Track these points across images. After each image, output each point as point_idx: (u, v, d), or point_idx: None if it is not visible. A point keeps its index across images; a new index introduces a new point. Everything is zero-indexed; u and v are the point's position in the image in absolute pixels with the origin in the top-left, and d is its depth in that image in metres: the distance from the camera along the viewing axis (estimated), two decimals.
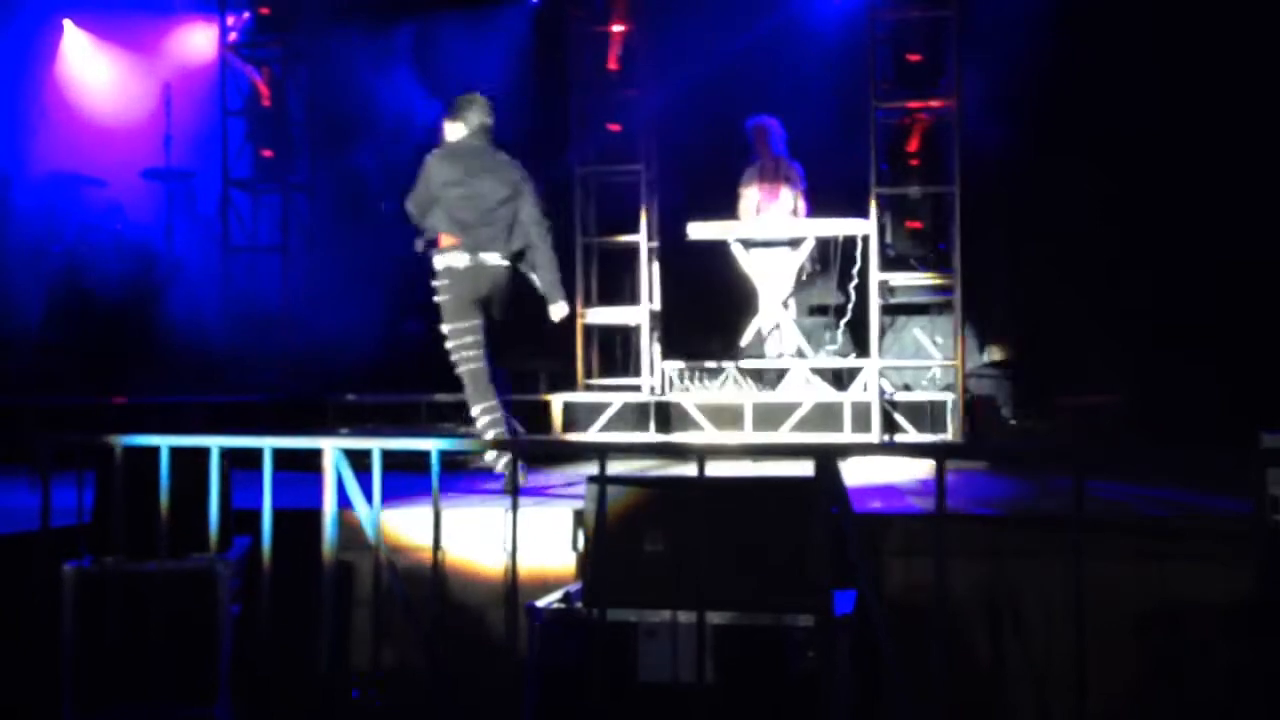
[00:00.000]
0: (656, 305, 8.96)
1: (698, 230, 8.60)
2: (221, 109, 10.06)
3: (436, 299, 5.94)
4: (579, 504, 4.82)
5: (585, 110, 9.03)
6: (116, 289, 9.89)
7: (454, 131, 6.12)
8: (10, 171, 10.32)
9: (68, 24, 10.98)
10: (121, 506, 4.35)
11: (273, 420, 8.86)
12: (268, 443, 4.11)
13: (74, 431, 4.91)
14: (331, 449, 4.26)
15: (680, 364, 8.52)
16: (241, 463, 4.46)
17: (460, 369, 5.90)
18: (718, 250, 8.74)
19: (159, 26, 10.79)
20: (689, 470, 3.74)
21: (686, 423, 8.11)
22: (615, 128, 9.11)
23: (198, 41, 10.69)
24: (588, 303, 8.93)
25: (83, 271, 10.46)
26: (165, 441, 4.25)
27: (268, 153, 9.99)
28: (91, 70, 11.18)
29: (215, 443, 4.33)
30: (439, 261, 5.92)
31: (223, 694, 4.44)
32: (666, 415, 8.16)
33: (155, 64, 10.81)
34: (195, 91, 10.46)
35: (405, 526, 5.00)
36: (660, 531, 4.01)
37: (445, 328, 5.91)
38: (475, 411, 5.93)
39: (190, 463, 4.40)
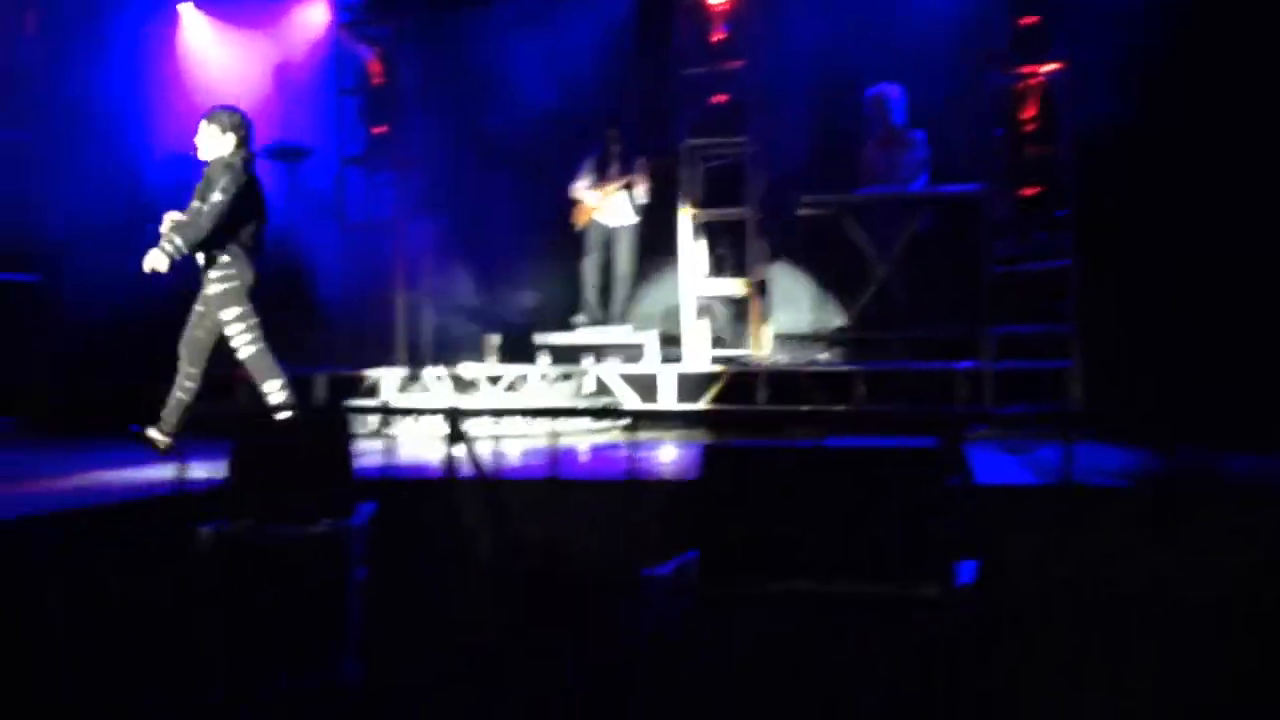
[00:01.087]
0: (764, 278, 8.92)
1: (810, 203, 8.55)
2: (335, 87, 10.25)
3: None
4: (688, 473, 4.84)
5: (690, 83, 9.01)
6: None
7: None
8: (139, 152, 10.65)
9: (187, 7, 11.28)
10: (255, 472, 4.50)
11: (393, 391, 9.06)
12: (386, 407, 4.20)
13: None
14: (450, 418, 4.35)
15: (790, 333, 8.49)
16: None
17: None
18: (829, 222, 8.66)
19: (274, 7, 11.02)
20: (809, 438, 3.73)
21: (798, 393, 8.07)
22: (721, 99, 9.07)
23: (312, 20, 10.88)
24: (697, 276, 8.92)
25: None
26: (293, 410, 4.37)
27: (380, 129, 10.15)
28: (210, 51, 11.47)
29: (343, 410, 4.45)
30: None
31: (350, 657, 4.57)
32: (778, 385, 8.13)
33: (271, 44, 11.05)
34: (310, 70, 10.66)
35: (519, 495, 5.07)
36: (780, 500, 4.01)
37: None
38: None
39: (318, 430, 4.53)
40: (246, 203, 6.54)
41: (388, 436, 7.48)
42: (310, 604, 4.56)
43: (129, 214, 10.90)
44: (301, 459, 4.60)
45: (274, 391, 6.40)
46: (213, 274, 6.51)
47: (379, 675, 4.58)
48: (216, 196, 6.39)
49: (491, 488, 4.65)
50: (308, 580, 4.55)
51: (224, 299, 6.48)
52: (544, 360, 9.02)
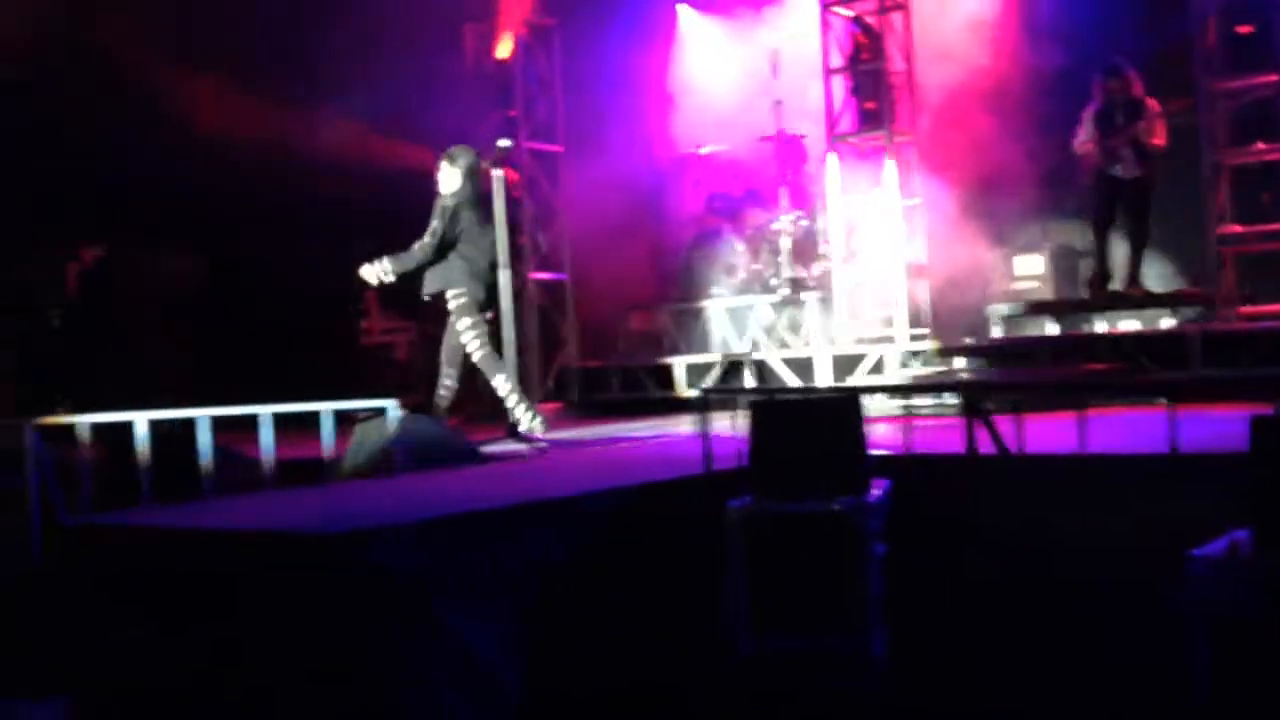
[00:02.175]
0: None
1: None
2: (824, 68, 10.39)
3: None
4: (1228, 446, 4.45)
5: (1203, 14, 8.25)
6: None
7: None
8: (645, 153, 11.44)
9: (683, 8, 11.94)
10: (775, 453, 4.69)
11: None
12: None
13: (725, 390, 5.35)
14: (966, 392, 4.28)
15: None
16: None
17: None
18: None
19: None
20: None
21: None
22: (1245, 30, 8.22)
23: (798, 3, 11.11)
24: (1221, 221, 8.16)
25: (711, 239, 11.38)
26: (793, 392, 4.49)
27: (870, 105, 10.17)
28: (706, 46, 12.06)
29: (851, 392, 4.51)
30: None
31: (876, 630, 4.64)
32: None
33: (761, 32, 11.43)
34: (799, 54, 10.90)
35: (1042, 471, 4.90)
36: None
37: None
38: None
39: (833, 411, 4.64)
40: (470, 233, 7.51)
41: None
42: (831, 576, 4.68)
43: (638, 213, 11.77)
44: (818, 439, 4.72)
45: (501, 384, 7.51)
46: (450, 293, 7.53)
47: (903, 646, 4.62)
48: (426, 239, 7.44)
49: (1013, 464, 4.54)
50: (827, 554, 4.67)
51: (458, 312, 7.52)
52: (1051, 328, 8.65)
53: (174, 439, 6.89)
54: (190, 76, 10.11)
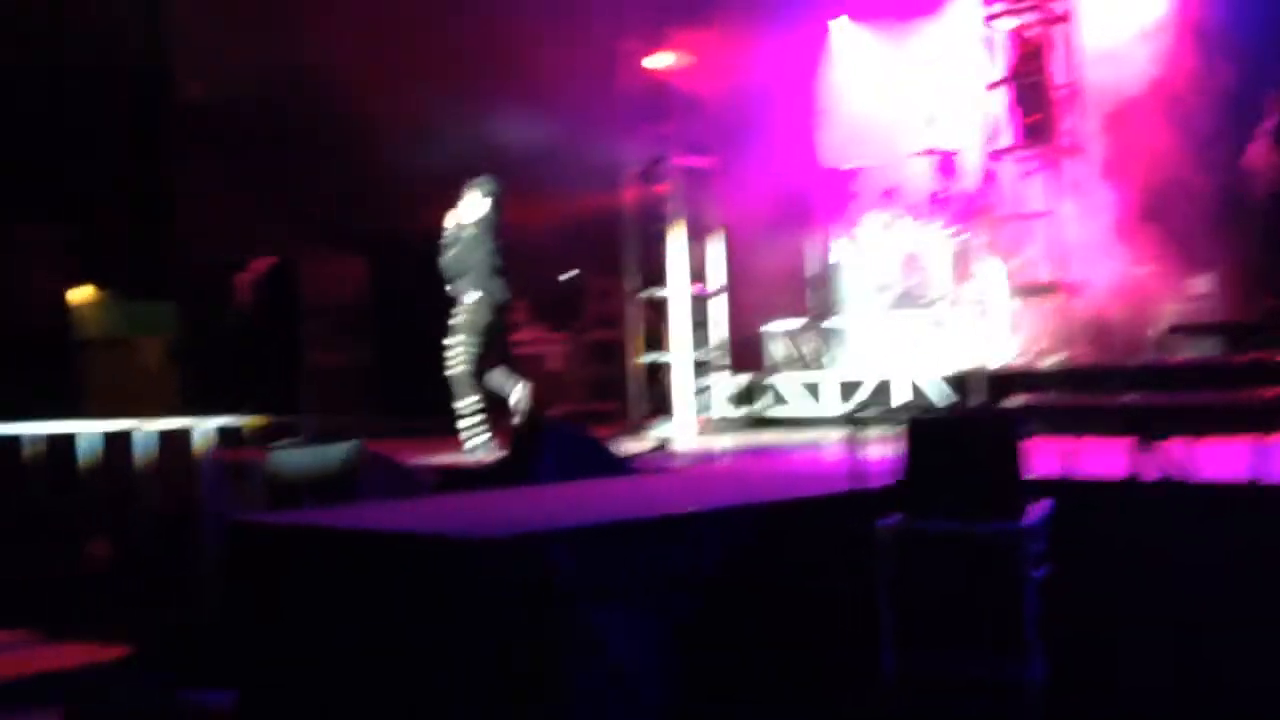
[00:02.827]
0: None
1: None
2: (983, 82, 10.20)
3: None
4: None
5: None
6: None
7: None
8: (797, 163, 11.38)
9: (840, 21, 11.85)
10: (928, 470, 4.60)
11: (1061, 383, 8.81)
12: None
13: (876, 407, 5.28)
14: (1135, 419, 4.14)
15: None
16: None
17: None
18: None
19: (918, 7, 11.23)
20: None
21: None
22: None
23: (956, 17, 10.93)
24: None
25: (862, 254, 11.26)
26: (946, 411, 4.41)
27: (1032, 118, 9.94)
28: (860, 59, 11.95)
29: (1012, 410, 4.41)
30: None
31: (1034, 655, 4.51)
32: None
33: (918, 44, 11.28)
34: (956, 67, 10.72)
35: (1214, 499, 4.69)
36: None
37: None
38: None
39: (988, 429, 4.54)
40: (490, 257, 8.06)
41: None
42: (986, 599, 4.57)
43: (789, 227, 11.73)
44: (973, 458, 4.63)
45: (467, 405, 7.94)
46: (472, 303, 8.03)
47: (1062, 673, 4.48)
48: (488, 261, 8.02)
49: (1183, 491, 4.37)
50: (983, 576, 4.57)
51: (466, 328, 7.98)
52: (1217, 349, 8.30)
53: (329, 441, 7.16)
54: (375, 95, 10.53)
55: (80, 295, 10.16)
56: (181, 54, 9.75)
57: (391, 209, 11.22)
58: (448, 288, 8.12)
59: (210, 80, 10.48)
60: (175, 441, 7.58)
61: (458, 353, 7.95)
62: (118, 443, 7.37)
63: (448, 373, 7.97)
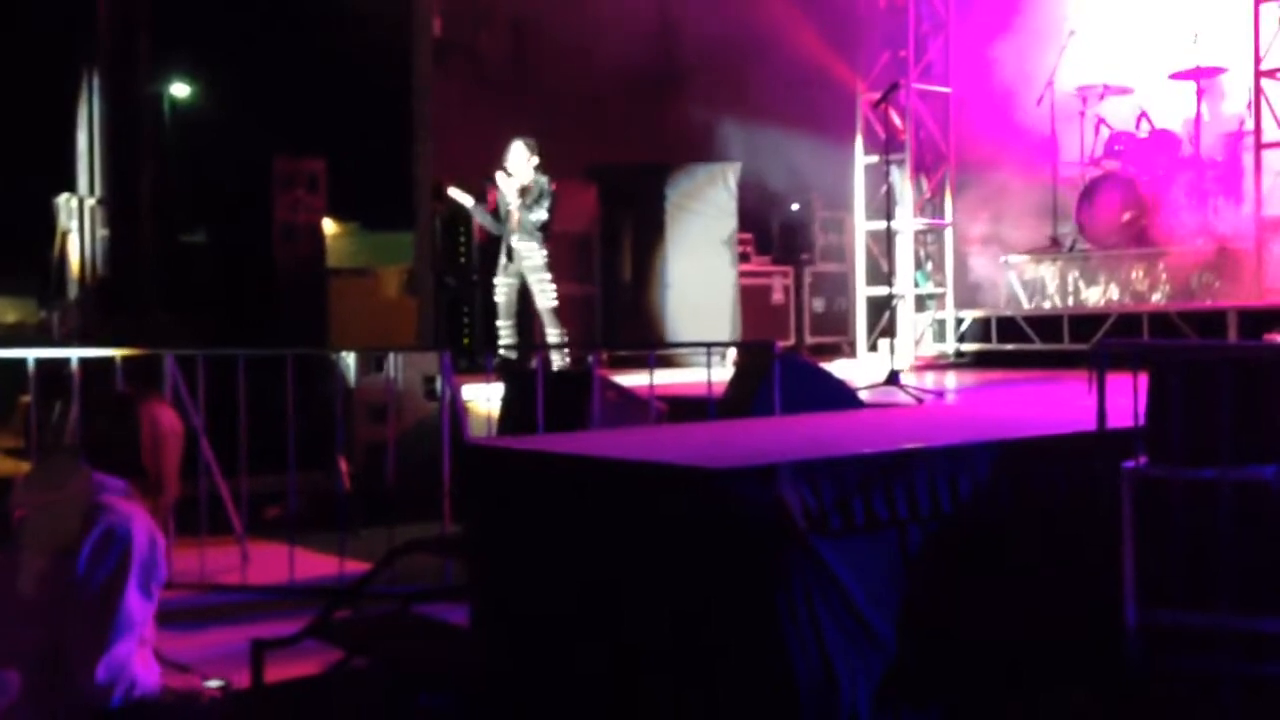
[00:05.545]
0: None
1: None
2: None
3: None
4: None
5: None
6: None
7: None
8: (1040, 88, 10.83)
9: None
10: (1179, 412, 4.32)
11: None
12: None
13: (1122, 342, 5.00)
14: None
15: None
16: None
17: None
18: None
19: None
20: None
21: None
22: None
23: None
24: None
25: (1110, 185, 10.63)
26: (1199, 348, 4.12)
27: None
28: None
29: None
30: None
31: None
32: None
33: None
34: None
35: None
36: None
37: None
38: None
39: (1253, 369, 4.22)
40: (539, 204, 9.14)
41: None
42: (1246, 552, 4.29)
43: (1029, 157, 11.21)
44: (1232, 399, 4.32)
45: (555, 335, 9.23)
46: (538, 252, 9.17)
47: None
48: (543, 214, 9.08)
49: None
50: (1243, 526, 4.28)
51: (540, 270, 9.17)
52: None
53: (566, 377, 7.31)
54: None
55: (330, 227, 10.66)
56: None
57: (619, 143, 11.34)
58: (512, 239, 9.09)
59: (458, 18, 10.83)
60: (417, 365, 7.93)
61: (549, 289, 9.11)
62: (367, 365, 7.87)
63: (542, 306, 9.14)
